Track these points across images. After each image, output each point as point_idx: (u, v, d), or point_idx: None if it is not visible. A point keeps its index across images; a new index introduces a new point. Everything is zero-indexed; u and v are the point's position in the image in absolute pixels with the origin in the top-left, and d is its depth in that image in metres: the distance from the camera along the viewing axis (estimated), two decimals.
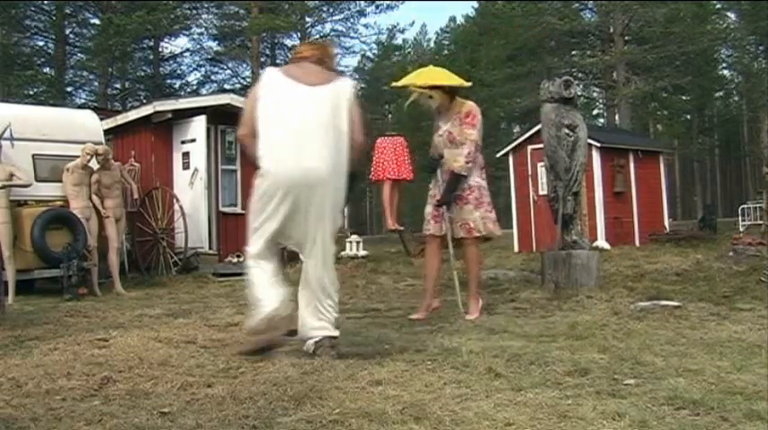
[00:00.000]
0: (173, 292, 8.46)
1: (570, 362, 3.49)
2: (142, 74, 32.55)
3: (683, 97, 36.44)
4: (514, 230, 15.66)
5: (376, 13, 33.27)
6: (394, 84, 6.24)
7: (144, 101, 25.76)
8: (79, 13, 29.34)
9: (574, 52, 32.17)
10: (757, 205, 19.05)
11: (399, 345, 4.06)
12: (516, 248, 15.25)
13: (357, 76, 39.53)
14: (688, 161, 43.14)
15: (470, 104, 5.56)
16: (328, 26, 32.60)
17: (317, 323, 3.85)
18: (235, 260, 10.29)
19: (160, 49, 32.31)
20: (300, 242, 3.87)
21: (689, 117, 41.28)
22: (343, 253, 10.18)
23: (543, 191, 12.79)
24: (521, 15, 28.95)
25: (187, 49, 33.11)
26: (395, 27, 41.65)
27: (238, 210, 11.05)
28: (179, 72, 33.61)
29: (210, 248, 10.98)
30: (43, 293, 8.70)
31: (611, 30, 27.92)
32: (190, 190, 11.12)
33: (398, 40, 44.10)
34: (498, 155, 16.45)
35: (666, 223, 16.91)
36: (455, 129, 5.45)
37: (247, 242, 3.94)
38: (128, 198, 9.92)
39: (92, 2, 28.69)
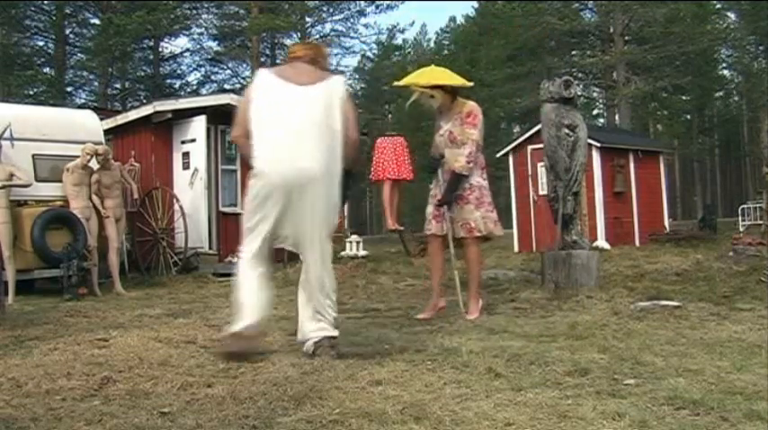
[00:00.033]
0: (173, 292, 8.46)
1: (570, 362, 3.49)
2: (142, 74, 32.56)
3: (683, 97, 36.44)
4: (514, 230, 15.65)
5: (376, 13, 33.36)
6: (396, 83, 6.25)
7: (144, 101, 25.77)
8: (79, 13, 29.35)
9: (574, 52, 32.17)
10: (757, 205, 19.05)
11: (399, 345, 4.06)
12: (516, 248, 15.25)
13: (357, 76, 39.58)
14: (688, 161, 43.15)
15: (472, 104, 5.57)
16: (328, 26, 32.68)
17: (316, 324, 3.86)
18: (235, 260, 10.28)
19: (160, 49, 32.33)
20: (297, 242, 3.87)
21: (689, 117, 41.28)
22: (343, 253, 10.18)
23: (543, 191, 12.79)
24: (521, 15, 28.95)
25: (187, 49, 33.18)
26: (395, 27, 41.76)
27: (238, 210, 11.02)
28: (179, 72, 33.67)
29: (210, 248, 10.98)
30: (43, 293, 8.70)
31: (611, 30, 27.92)
32: (190, 190, 11.12)
33: (398, 40, 44.21)
34: (498, 155, 16.44)
35: (666, 223, 16.91)
36: (456, 128, 5.46)
37: (241, 242, 3.94)
38: (128, 198, 9.92)
39: (92, 2, 28.70)
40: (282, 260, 8.98)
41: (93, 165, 8.91)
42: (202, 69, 33.75)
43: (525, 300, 6.07)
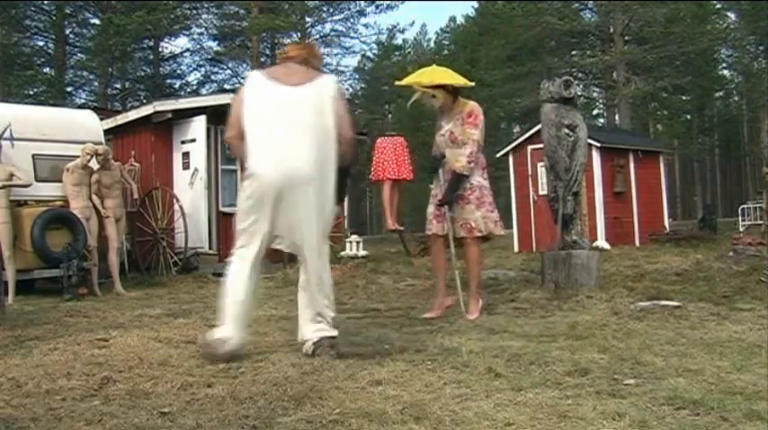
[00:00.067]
0: (173, 292, 8.46)
1: (570, 362, 3.49)
2: (142, 74, 32.56)
3: (683, 97, 36.46)
4: (514, 230, 15.65)
5: (376, 13, 33.39)
6: (397, 82, 6.26)
7: (144, 101, 25.76)
8: (79, 13, 29.36)
9: (574, 52, 32.17)
10: (757, 205, 19.06)
11: (399, 345, 4.06)
12: (516, 248, 15.25)
13: (357, 76, 39.58)
14: (688, 161, 43.16)
15: (473, 104, 5.57)
16: (328, 26, 32.70)
17: (315, 325, 3.87)
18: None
19: (160, 49, 32.33)
20: (293, 243, 3.88)
21: (689, 117, 41.30)
22: (343, 253, 10.19)
23: (543, 191, 12.79)
24: (521, 15, 28.96)
25: (187, 49, 33.18)
26: (395, 27, 41.78)
27: None
28: (179, 72, 33.67)
29: (210, 248, 10.98)
30: (43, 293, 8.70)
31: (611, 30, 27.93)
32: (190, 190, 11.12)
33: (398, 40, 44.21)
34: (498, 155, 16.44)
35: (666, 223, 16.91)
36: (457, 128, 5.47)
37: (234, 244, 3.95)
38: (128, 198, 9.91)
39: (92, 2, 28.70)
40: (282, 260, 9.00)
41: (93, 165, 8.90)
42: (202, 69, 33.82)
43: (525, 300, 6.07)
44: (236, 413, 2.77)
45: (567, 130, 6.81)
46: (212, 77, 33.47)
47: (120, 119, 12.00)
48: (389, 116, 41.31)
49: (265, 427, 2.62)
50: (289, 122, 3.79)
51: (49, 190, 8.98)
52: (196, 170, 11.10)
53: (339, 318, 4.85)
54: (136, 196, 10.21)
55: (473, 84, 6.24)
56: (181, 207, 10.68)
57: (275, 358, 3.78)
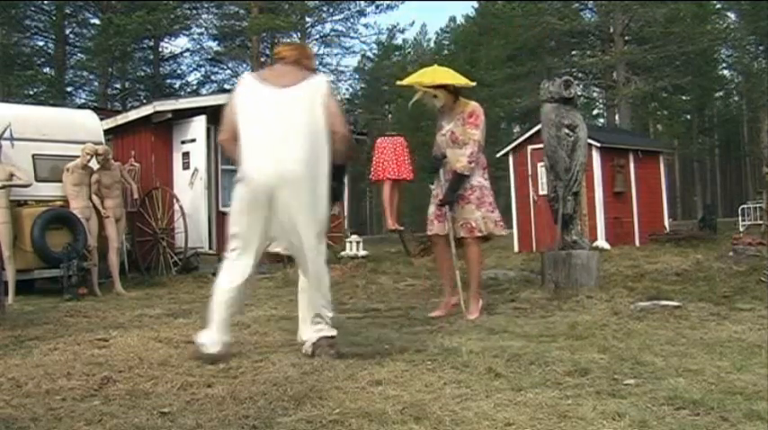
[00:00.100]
0: (173, 292, 8.46)
1: (570, 362, 3.49)
2: (142, 74, 32.57)
3: (683, 97, 36.47)
4: (514, 230, 15.65)
5: (376, 13, 33.37)
6: (399, 82, 6.26)
7: (144, 101, 25.76)
8: (79, 13, 29.36)
9: (574, 52, 32.17)
10: (757, 205, 19.05)
11: (399, 345, 4.06)
12: (516, 248, 15.25)
13: (357, 76, 39.57)
14: (688, 161, 43.15)
15: (474, 105, 5.58)
16: (328, 26, 32.71)
17: (314, 327, 3.89)
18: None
19: (160, 49, 32.34)
20: (288, 244, 3.89)
21: (689, 117, 41.30)
22: (343, 253, 10.19)
23: (543, 191, 12.79)
24: (521, 15, 28.96)
25: (187, 49, 33.20)
26: (395, 27, 41.78)
27: None
28: (179, 72, 33.69)
29: (210, 248, 10.98)
30: (43, 293, 8.70)
31: (611, 30, 27.93)
32: (190, 190, 11.12)
33: (398, 40, 44.22)
34: (498, 155, 16.44)
35: (666, 223, 16.90)
36: (458, 128, 5.47)
37: (227, 247, 3.96)
38: (128, 198, 9.91)
39: (92, 2, 28.71)
40: (282, 260, 8.99)
41: (93, 165, 8.91)
42: (202, 69, 33.84)
43: (525, 300, 6.07)
44: (236, 413, 2.77)
45: (567, 130, 6.81)
46: (212, 77, 33.55)
47: (120, 119, 12.00)
48: (389, 116, 41.32)
49: (265, 427, 2.62)
50: (278, 124, 3.80)
51: (49, 190, 8.98)
52: (196, 170, 11.10)
53: (339, 318, 4.85)
54: (136, 196, 10.21)
55: (474, 84, 6.25)
56: (181, 207, 10.68)
57: (275, 358, 3.78)
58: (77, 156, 8.76)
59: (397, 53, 45.21)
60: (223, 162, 11.70)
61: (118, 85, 32.01)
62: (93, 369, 3.60)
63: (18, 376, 3.45)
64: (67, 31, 29.48)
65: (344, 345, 3.98)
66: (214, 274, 10.05)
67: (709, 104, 42.18)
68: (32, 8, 28.19)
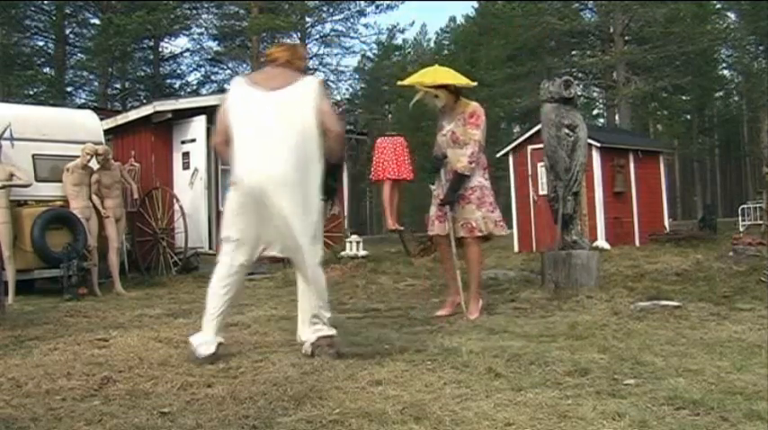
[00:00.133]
0: (173, 292, 8.46)
1: (570, 362, 3.49)
2: (142, 74, 32.57)
3: (683, 97, 36.46)
4: (514, 230, 15.64)
5: (376, 13, 33.36)
6: (400, 82, 6.27)
7: (144, 101, 25.77)
8: (79, 13, 29.36)
9: (574, 52, 32.16)
10: (757, 205, 19.05)
11: (399, 345, 4.06)
12: (516, 248, 15.25)
13: (357, 76, 39.57)
14: (688, 161, 43.14)
15: (475, 105, 5.58)
16: (328, 26, 32.72)
17: (312, 327, 3.90)
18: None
19: (160, 49, 32.33)
20: (282, 247, 3.90)
21: (689, 117, 41.29)
22: (343, 253, 10.19)
23: (543, 191, 12.79)
24: (521, 15, 28.95)
25: (187, 49, 33.19)
26: (395, 27, 41.75)
27: None
28: (179, 72, 33.68)
29: (210, 248, 10.97)
30: (43, 293, 8.70)
31: (611, 30, 27.92)
32: (190, 190, 11.12)
33: (398, 40, 44.19)
34: (498, 155, 16.44)
35: (666, 223, 16.90)
36: (459, 129, 5.47)
37: (220, 251, 3.97)
38: (128, 198, 9.91)
39: (92, 2, 28.71)
40: (282, 260, 8.98)
41: (93, 165, 8.90)
42: (202, 69, 33.84)
43: (525, 300, 6.07)
44: (236, 413, 2.77)
45: (567, 130, 6.80)
46: (212, 77, 33.53)
47: (120, 119, 12.00)
48: (389, 116, 41.30)
49: (265, 427, 2.62)
50: (267, 128, 3.82)
51: (49, 190, 8.98)
52: (196, 170, 11.11)
53: (339, 318, 4.86)
54: (136, 196, 10.21)
55: (475, 84, 6.25)
56: (181, 207, 10.68)
57: (275, 358, 3.78)
58: (77, 156, 8.76)
59: (397, 53, 45.20)
60: (223, 162, 11.71)
61: (118, 85, 32.01)
62: (93, 369, 3.60)
63: (18, 376, 3.46)
64: (67, 31, 29.48)
65: (344, 345, 3.99)
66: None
67: (709, 104, 42.17)
68: (32, 8, 28.19)
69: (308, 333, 3.90)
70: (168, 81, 32.81)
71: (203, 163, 11.01)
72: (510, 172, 16.07)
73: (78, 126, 9.85)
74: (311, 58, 32.50)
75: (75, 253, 8.30)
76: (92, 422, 2.73)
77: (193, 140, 11.20)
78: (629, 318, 4.94)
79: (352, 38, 33.30)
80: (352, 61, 59.38)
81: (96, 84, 30.73)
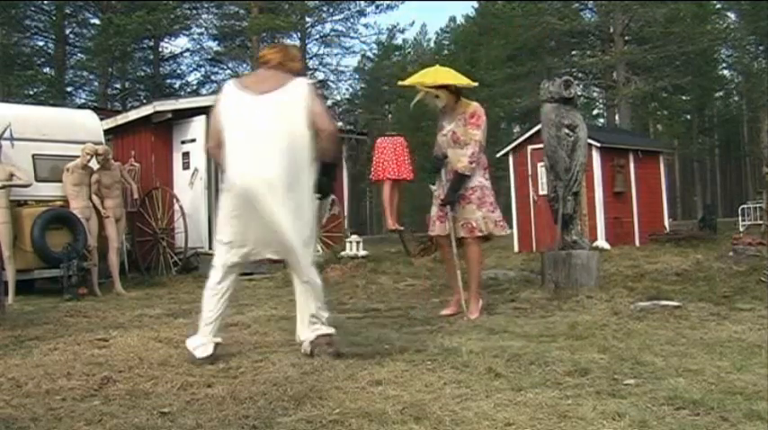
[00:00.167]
0: (173, 292, 8.47)
1: (570, 362, 3.49)
2: (142, 74, 32.56)
3: (683, 97, 36.45)
4: (514, 230, 15.64)
5: (376, 13, 33.37)
6: (401, 83, 6.27)
7: (144, 101, 25.76)
8: (79, 13, 29.35)
9: (574, 52, 32.16)
10: (757, 205, 19.04)
11: (399, 345, 4.06)
12: (516, 248, 15.25)
13: (357, 76, 39.56)
14: (688, 161, 43.14)
15: (475, 105, 5.59)
16: (328, 26, 32.72)
17: (310, 327, 3.90)
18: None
19: (160, 49, 32.33)
20: (277, 249, 3.91)
21: (689, 117, 41.28)
22: (343, 253, 10.18)
23: (543, 191, 12.79)
24: (521, 15, 28.95)
25: (187, 49, 33.19)
26: (395, 27, 41.75)
27: None
28: (179, 72, 33.67)
29: (210, 248, 10.96)
30: (43, 293, 8.71)
31: (611, 30, 27.92)
32: (190, 190, 11.12)
33: (398, 40, 44.19)
34: (498, 155, 16.44)
35: (666, 223, 16.90)
36: (459, 129, 5.48)
37: (214, 255, 3.99)
38: (128, 198, 9.92)
39: (92, 2, 28.70)
40: (282, 261, 8.98)
41: (93, 165, 8.91)
42: (202, 69, 33.83)
43: (525, 300, 6.07)
44: (236, 413, 2.77)
45: (567, 130, 6.80)
46: (212, 77, 33.48)
47: (120, 119, 12.00)
48: (389, 116, 41.29)
49: (265, 427, 2.62)
50: (257, 131, 3.82)
51: (49, 190, 8.98)
52: (196, 170, 11.11)
53: (339, 318, 4.86)
54: (136, 196, 10.21)
55: (476, 84, 6.25)
56: (181, 207, 10.68)
57: (275, 358, 3.78)
58: (77, 156, 8.76)
59: (397, 53, 45.19)
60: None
61: (118, 85, 32.00)
62: (93, 369, 3.60)
63: (18, 376, 3.46)
64: (67, 31, 29.47)
65: (344, 345, 3.99)
66: None
67: (709, 104, 42.16)
68: (32, 8, 28.18)
69: (306, 332, 3.91)
70: (168, 81, 32.81)
71: (203, 163, 11.00)
72: (510, 172, 16.06)
73: (78, 126, 9.85)
74: (311, 58, 32.53)
75: (75, 253, 8.30)
76: (92, 422, 2.73)
77: (193, 140, 11.20)
78: (629, 318, 4.94)
79: (352, 38, 33.35)
80: (352, 61, 59.41)
81: (96, 84, 30.73)
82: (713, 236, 15.30)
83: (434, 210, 5.67)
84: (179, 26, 30.14)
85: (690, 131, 40.44)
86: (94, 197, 8.83)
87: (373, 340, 4.33)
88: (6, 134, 8.84)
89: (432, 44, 48.57)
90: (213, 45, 33.15)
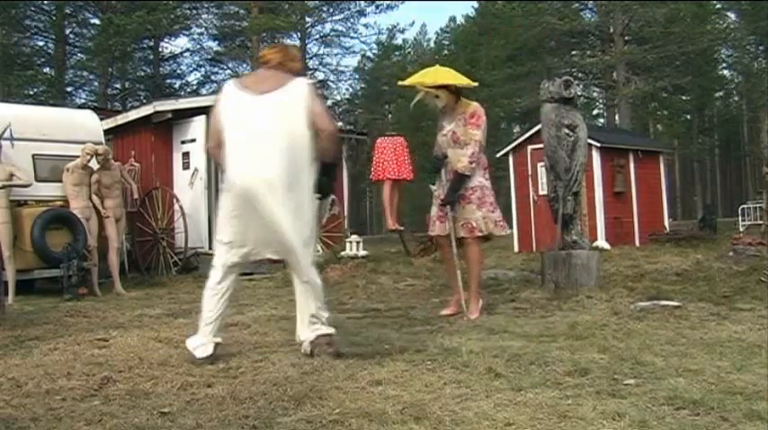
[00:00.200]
0: (173, 292, 8.47)
1: (570, 362, 3.49)
2: (142, 74, 32.56)
3: (683, 97, 36.45)
4: (514, 230, 15.64)
5: (376, 13, 33.37)
6: (401, 83, 6.27)
7: (144, 101, 25.76)
8: (79, 13, 29.35)
9: (574, 52, 32.16)
10: (757, 205, 19.04)
11: (399, 345, 4.06)
12: (516, 248, 15.25)
13: (357, 76, 39.57)
14: (688, 161, 43.14)
15: (475, 105, 5.59)
16: (328, 26, 32.73)
17: (310, 326, 3.91)
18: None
19: (160, 49, 32.33)
20: (277, 250, 3.91)
21: (689, 117, 41.28)
22: (343, 253, 10.18)
23: (543, 191, 12.79)
24: (521, 15, 28.95)
25: (187, 49, 33.19)
26: (395, 27, 41.77)
27: None
28: (179, 72, 33.68)
29: (210, 248, 10.96)
30: (43, 293, 8.71)
31: (611, 30, 27.91)
32: (190, 190, 11.12)
33: (398, 40, 44.19)
34: (498, 155, 16.44)
35: (666, 223, 16.90)
36: (460, 129, 5.48)
37: (214, 255, 4.00)
38: (128, 198, 9.92)
39: (92, 2, 28.70)
40: (283, 260, 8.98)
41: (93, 165, 8.91)
42: (202, 69, 33.83)
43: (525, 300, 6.07)
44: (236, 413, 2.77)
45: (567, 130, 6.80)
46: (212, 77, 33.48)
47: (120, 119, 12.00)
48: (389, 116, 41.29)
49: (265, 427, 2.62)
50: (257, 131, 3.83)
51: (49, 190, 8.98)
52: (196, 170, 11.11)
53: (339, 318, 4.86)
54: (136, 196, 10.21)
55: (476, 84, 6.26)
56: (181, 207, 10.68)
57: (275, 358, 3.78)
58: (77, 156, 8.76)
59: (397, 53, 45.19)
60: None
61: (118, 85, 32.00)
62: (93, 369, 3.60)
63: (18, 376, 3.46)
64: (67, 31, 29.47)
65: (344, 345, 3.99)
66: None
67: (709, 104, 42.16)
68: (32, 8, 28.18)
69: (306, 332, 3.91)
70: (168, 81, 32.81)
71: (203, 163, 11.00)
72: (510, 172, 16.06)
73: (78, 126, 9.85)
74: (311, 58, 32.53)
75: (75, 253, 8.30)
76: (92, 422, 2.73)
77: (193, 140, 11.20)
78: (629, 318, 4.94)
79: (352, 38, 33.37)
80: (352, 61, 59.37)
81: (96, 84, 30.73)
82: (713, 236, 15.29)
83: (434, 211, 5.67)
84: (179, 26, 30.15)
85: (690, 131, 40.44)
86: (94, 197, 8.83)
87: (373, 340, 4.32)
88: (6, 134, 8.84)
89: (432, 44, 48.58)
90: (213, 45, 33.22)
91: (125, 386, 3.27)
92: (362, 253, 10.30)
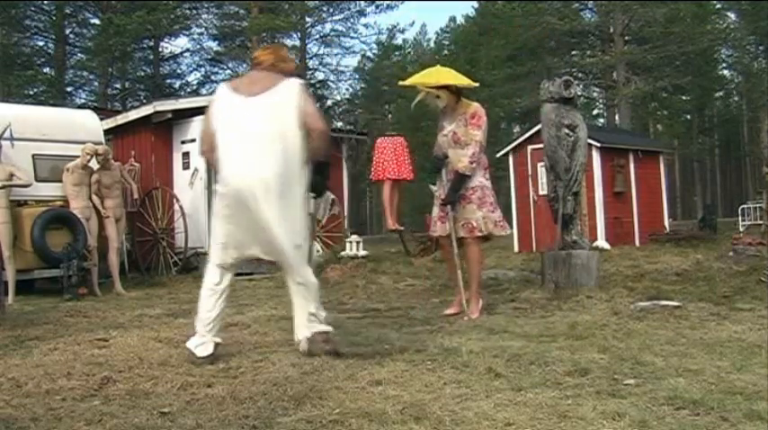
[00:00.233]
0: (173, 292, 8.47)
1: (570, 362, 3.49)
2: (142, 74, 32.56)
3: (683, 97, 36.44)
4: (514, 230, 15.63)
5: (376, 13, 33.39)
6: (401, 83, 6.28)
7: (144, 101, 25.75)
8: (79, 13, 29.34)
9: (574, 52, 32.15)
10: (757, 205, 19.04)
11: (399, 345, 4.06)
12: (516, 248, 15.24)
13: (357, 76, 39.58)
14: (688, 161, 43.14)
15: (476, 105, 5.60)
16: (328, 26, 32.73)
17: (307, 325, 3.91)
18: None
19: (160, 49, 32.32)
20: (269, 251, 3.91)
21: (689, 117, 41.28)
22: (343, 253, 10.18)
23: (543, 191, 12.78)
24: (521, 15, 28.95)
25: (187, 49, 33.18)
26: (395, 27, 41.80)
27: None
28: (179, 72, 33.67)
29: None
30: (43, 293, 8.71)
31: (611, 30, 27.91)
32: (190, 190, 11.12)
33: (398, 40, 44.20)
34: (498, 155, 16.43)
35: (666, 223, 16.89)
36: (460, 129, 5.48)
37: (210, 255, 4.00)
38: (128, 198, 9.92)
39: (92, 2, 28.70)
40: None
41: (93, 165, 8.91)
42: (202, 69, 33.82)
43: (525, 300, 6.07)
44: (236, 413, 2.77)
45: (567, 130, 6.80)
46: (212, 77, 33.46)
47: (120, 119, 12.00)
48: (389, 116, 41.29)
49: (265, 427, 2.62)
50: (249, 133, 3.84)
51: (49, 190, 8.98)
52: (196, 170, 11.10)
53: (339, 318, 4.86)
54: (136, 196, 10.22)
55: (477, 84, 6.26)
56: (181, 207, 10.68)
57: (275, 358, 3.78)
58: (77, 156, 8.76)
59: (397, 53, 45.18)
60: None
61: (118, 85, 31.99)
62: (93, 369, 3.60)
63: (18, 376, 3.46)
64: (67, 31, 29.46)
65: (344, 345, 3.98)
66: None
67: (709, 104, 42.16)
68: (32, 8, 28.17)
69: (304, 330, 3.91)
70: (168, 81, 32.80)
71: (203, 163, 10.98)
72: (510, 172, 16.06)
73: (78, 126, 9.85)
74: (311, 58, 32.54)
75: (75, 253, 8.30)
76: (92, 422, 2.73)
77: (193, 140, 11.18)
78: (629, 318, 4.94)
79: (352, 38, 33.37)
80: (352, 61, 59.36)
81: (96, 84, 30.72)
82: (713, 236, 15.29)
83: (436, 211, 5.68)
84: (179, 26, 30.15)
85: (690, 131, 40.44)
86: (94, 197, 8.83)
87: (373, 340, 4.32)
88: (6, 134, 8.84)
89: (432, 44, 48.57)
90: (213, 45, 33.21)
91: (125, 386, 3.27)
92: (362, 253, 10.30)
